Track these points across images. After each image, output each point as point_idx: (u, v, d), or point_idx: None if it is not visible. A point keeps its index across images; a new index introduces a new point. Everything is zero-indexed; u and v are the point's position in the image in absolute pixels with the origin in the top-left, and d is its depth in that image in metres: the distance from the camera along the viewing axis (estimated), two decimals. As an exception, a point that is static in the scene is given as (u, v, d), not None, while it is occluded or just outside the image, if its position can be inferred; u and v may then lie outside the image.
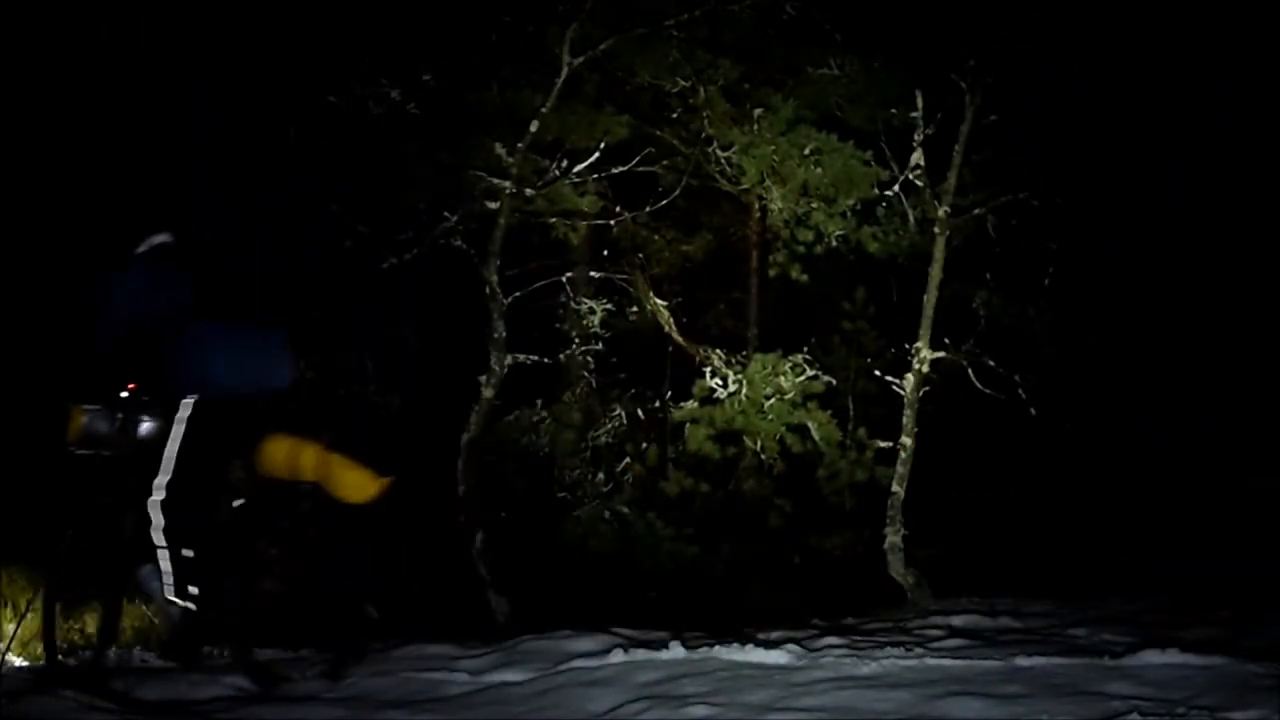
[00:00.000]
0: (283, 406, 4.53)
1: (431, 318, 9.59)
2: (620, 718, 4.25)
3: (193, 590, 4.21)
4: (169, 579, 4.22)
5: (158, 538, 4.17)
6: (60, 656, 4.93)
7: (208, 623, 4.38)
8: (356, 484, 4.57)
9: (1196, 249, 9.59)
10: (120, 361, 4.38)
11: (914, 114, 8.27)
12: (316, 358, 8.75)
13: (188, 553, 4.18)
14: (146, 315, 4.41)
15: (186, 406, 4.25)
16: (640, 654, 5.14)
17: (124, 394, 4.34)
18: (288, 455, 4.44)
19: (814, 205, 8.53)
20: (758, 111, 8.48)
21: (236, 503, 4.47)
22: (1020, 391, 8.37)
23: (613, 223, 9.18)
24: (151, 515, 4.15)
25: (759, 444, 8.75)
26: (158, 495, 4.15)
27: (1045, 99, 8.24)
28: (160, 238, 4.62)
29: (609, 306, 9.67)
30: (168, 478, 4.16)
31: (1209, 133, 8.80)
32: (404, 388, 9.37)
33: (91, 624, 7.07)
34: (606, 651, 5.22)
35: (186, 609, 4.26)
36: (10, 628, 6.95)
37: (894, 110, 8.43)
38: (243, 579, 4.58)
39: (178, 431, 4.20)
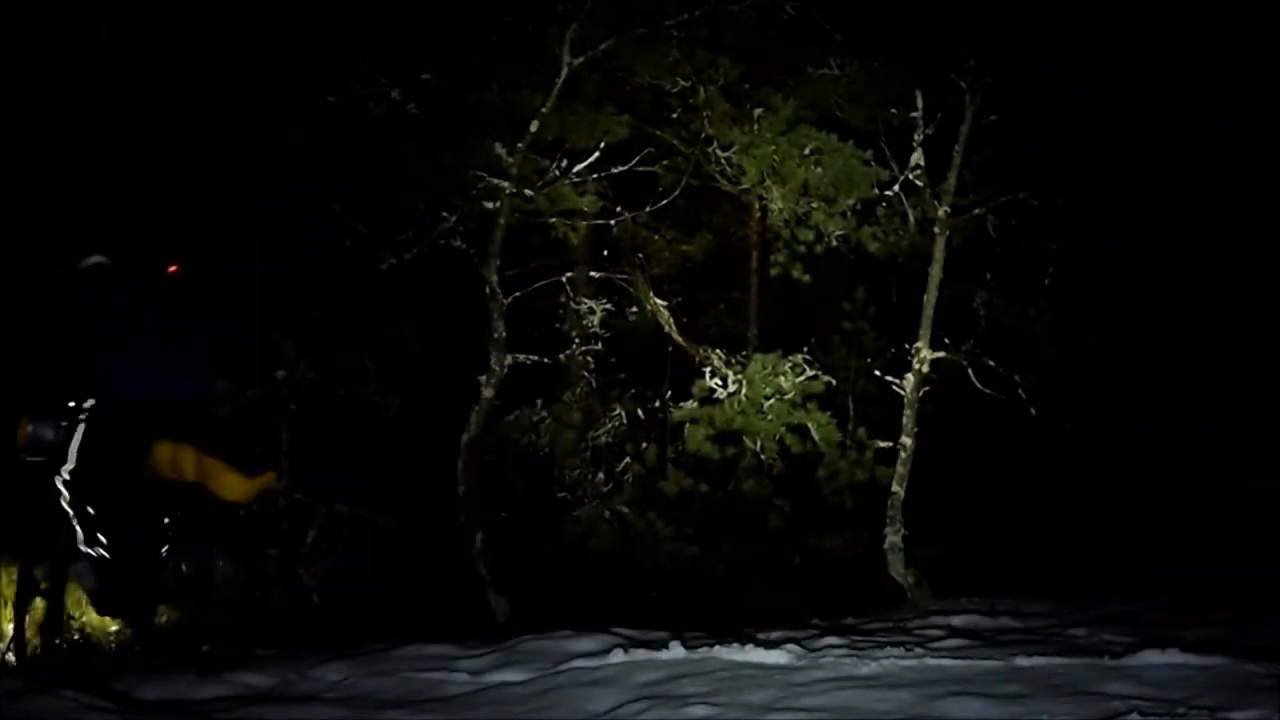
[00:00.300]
0: (188, 413, 5.03)
1: (431, 318, 9.57)
2: (620, 718, 4.25)
3: (101, 539, 4.75)
4: (79, 534, 4.77)
5: (64, 506, 4.77)
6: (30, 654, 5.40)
7: (129, 577, 4.89)
8: (230, 484, 5.07)
9: (1196, 249, 9.59)
10: (66, 373, 4.94)
11: (914, 114, 8.27)
12: (316, 358, 8.76)
13: (90, 510, 4.75)
14: (83, 329, 4.97)
15: (86, 409, 4.83)
16: (640, 654, 5.14)
17: (71, 404, 4.85)
18: (171, 459, 4.93)
19: (814, 205, 8.53)
20: (758, 111, 8.48)
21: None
22: (1020, 391, 8.36)
23: (613, 223, 9.17)
24: (59, 488, 4.77)
25: (759, 444, 8.75)
26: (63, 476, 4.78)
27: (1045, 99, 8.23)
28: (95, 259, 5.11)
29: (609, 306, 9.66)
30: (70, 466, 4.78)
31: (1209, 133, 8.79)
32: (404, 388, 9.36)
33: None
34: (606, 651, 5.22)
35: (101, 558, 4.78)
36: (10, 628, 6.97)
37: (894, 110, 8.42)
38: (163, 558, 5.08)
39: (80, 430, 4.79)
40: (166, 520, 5.06)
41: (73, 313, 5.00)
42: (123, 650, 6.55)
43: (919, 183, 8.28)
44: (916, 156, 8.28)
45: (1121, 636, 5.47)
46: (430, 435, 8.66)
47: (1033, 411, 8.38)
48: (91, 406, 4.83)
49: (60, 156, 8.03)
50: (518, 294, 8.28)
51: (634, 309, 9.84)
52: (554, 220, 8.95)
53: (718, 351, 9.13)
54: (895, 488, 8.09)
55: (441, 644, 5.75)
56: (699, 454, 8.85)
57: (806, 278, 9.16)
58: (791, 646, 5.24)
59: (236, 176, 8.27)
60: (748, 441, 8.81)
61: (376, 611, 7.36)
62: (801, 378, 8.60)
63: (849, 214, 8.56)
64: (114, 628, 7.25)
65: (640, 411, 9.82)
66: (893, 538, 8.01)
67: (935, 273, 8.17)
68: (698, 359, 9.26)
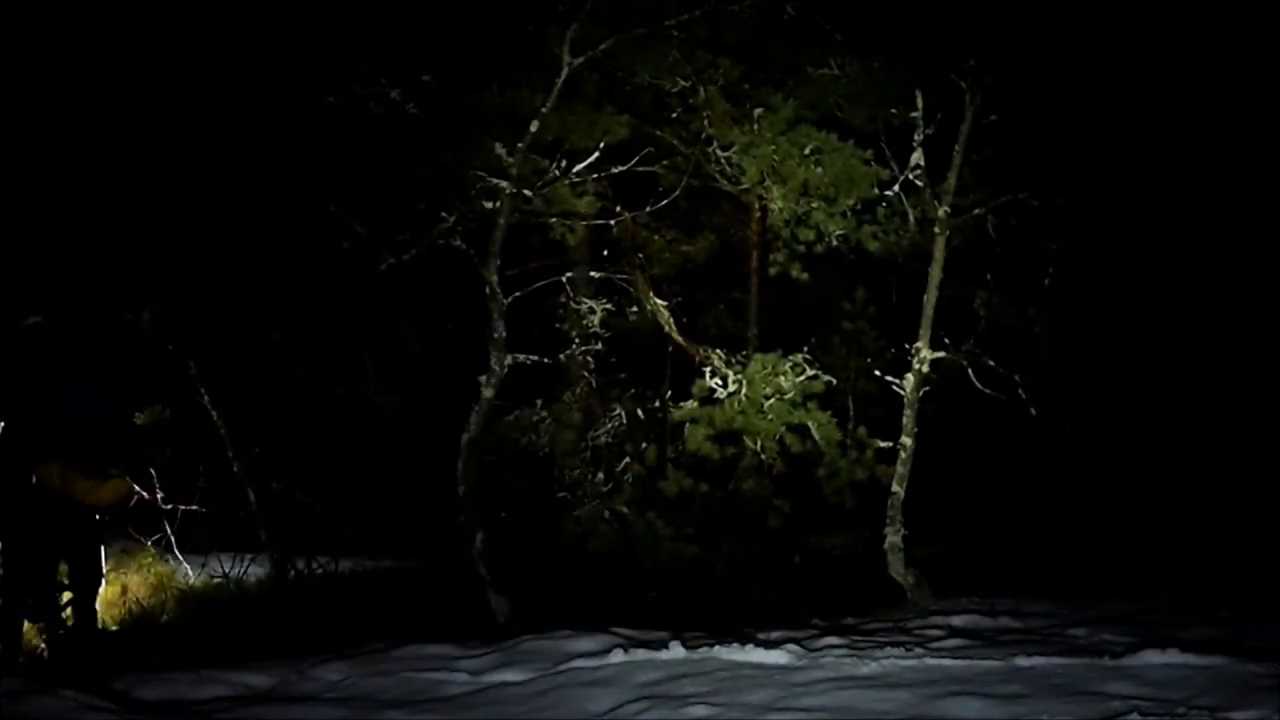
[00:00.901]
0: (75, 431, 5.99)
1: (431, 318, 9.57)
2: (620, 718, 4.26)
3: None
4: None
5: None
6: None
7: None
8: (88, 490, 5.92)
9: (1196, 249, 9.59)
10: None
11: (914, 114, 8.27)
12: (316, 358, 8.75)
13: None
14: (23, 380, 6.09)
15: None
16: (640, 654, 5.15)
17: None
18: (44, 472, 5.85)
19: (814, 205, 8.52)
20: (758, 111, 8.47)
21: None
22: (1020, 391, 8.36)
23: (613, 223, 9.16)
24: None
25: (759, 444, 8.74)
26: None
27: (1045, 99, 8.23)
28: (33, 319, 6.24)
29: (609, 306, 9.65)
30: None
31: (1209, 133, 8.79)
32: (404, 388, 9.36)
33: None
34: (606, 651, 5.23)
35: None
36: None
37: (894, 110, 8.42)
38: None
39: None
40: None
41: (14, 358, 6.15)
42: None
43: (919, 183, 8.28)
44: (916, 156, 8.28)
45: (1121, 636, 5.48)
46: (430, 435, 8.66)
47: (1033, 411, 8.37)
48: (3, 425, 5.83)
49: (60, 157, 8.03)
50: (518, 294, 8.27)
51: (634, 309, 9.83)
52: (553, 221, 8.94)
53: (718, 351, 9.12)
54: (895, 488, 8.09)
55: (441, 644, 5.76)
56: (699, 454, 8.84)
57: (806, 277, 9.15)
58: (791, 646, 5.25)
59: (236, 176, 8.27)
60: (748, 441, 8.80)
61: (376, 611, 7.35)
62: (801, 377, 8.59)
63: (849, 214, 8.55)
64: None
65: (640, 411, 9.81)
66: (893, 538, 8.01)
67: (935, 273, 8.17)
68: (698, 359, 9.26)
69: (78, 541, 6.12)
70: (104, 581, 6.69)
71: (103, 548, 6.45)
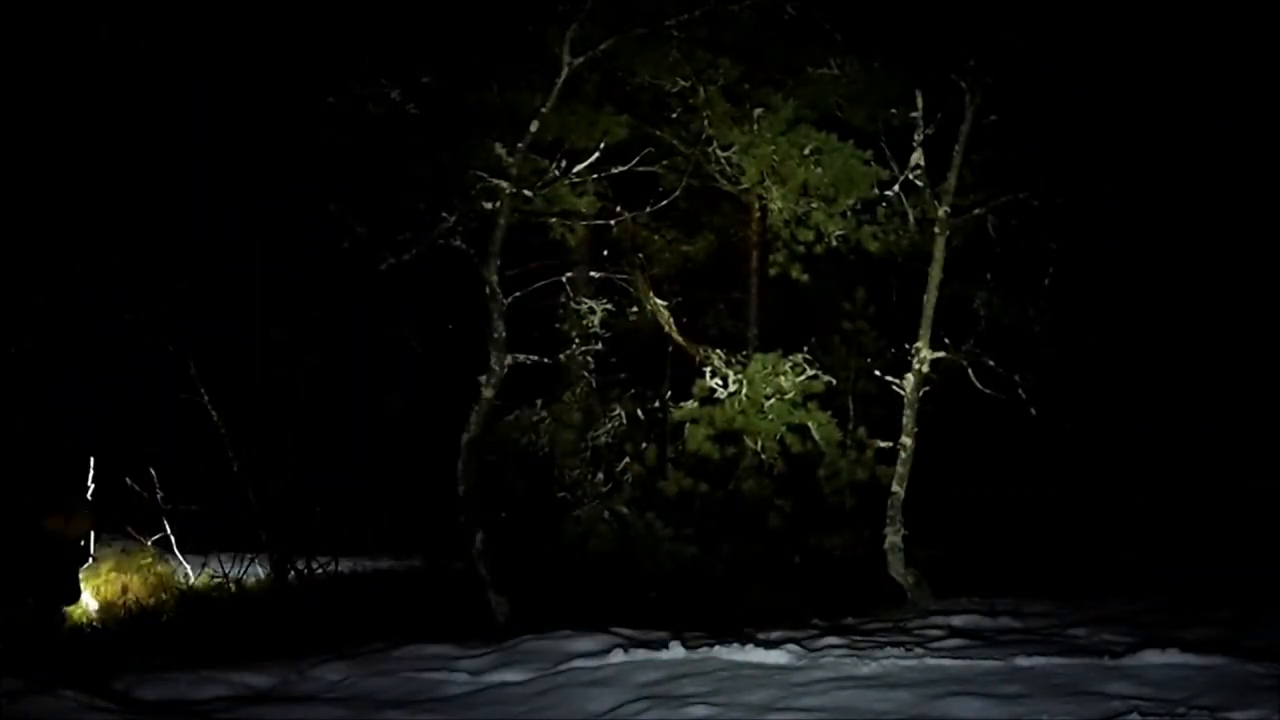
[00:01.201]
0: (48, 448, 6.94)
1: (431, 318, 9.57)
2: (620, 718, 4.26)
3: None
4: None
5: None
6: None
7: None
8: (57, 527, 6.75)
9: (1196, 249, 9.59)
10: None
11: (914, 114, 8.27)
12: (317, 358, 8.76)
13: None
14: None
15: None
16: (640, 654, 5.16)
17: None
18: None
19: (814, 205, 8.52)
20: (758, 111, 8.47)
21: None
22: (1020, 391, 8.36)
23: (613, 223, 9.16)
24: None
25: (759, 444, 8.74)
26: None
27: (1045, 99, 8.23)
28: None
29: (609, 306, 9.64)
30: None
31: (1209, 133, 8.79)
32: (404, 388, 9.36)
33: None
34: (606, 651, 5.23)
35: None
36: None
37: (894, 110, 8.42)
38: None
39: None
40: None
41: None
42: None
43: (919, 183, 8.28)
44: (916, 156, 8.28)
45: (1121, 636, 5.49)
46: (430, 435, 8.66)
47: (1033, 411, 8.37)
48: None
49: (60, 156, 8.04)
50: (518, 294, 8.27)
51: (634, 309, 9.82)
52: (553, 221, 8.94)
53: (718, 351, 9.12)
54: (895, 488, 8.09)
55: (441, 644, 5.76)
56: (699, 454, 8.84)
57: (806, 278, 9.15)
58: (791, 646, 5.26)
59: (236, 176, 8.27)
60: (748, 441, 8.80)
61: (376, 611, 7.36)
62: (801, 377, 8.59)
63: (849, 214, 8.55)
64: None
65: (640, 411, 9.80)
66: (893, 538, 8.01)
67: (935, 273, 8.17)
68: (698, 359, 9.25)
69: (62, 547, 6.64)
70: (91, 560, 7.39)
71: (91, 534, 6.82)
